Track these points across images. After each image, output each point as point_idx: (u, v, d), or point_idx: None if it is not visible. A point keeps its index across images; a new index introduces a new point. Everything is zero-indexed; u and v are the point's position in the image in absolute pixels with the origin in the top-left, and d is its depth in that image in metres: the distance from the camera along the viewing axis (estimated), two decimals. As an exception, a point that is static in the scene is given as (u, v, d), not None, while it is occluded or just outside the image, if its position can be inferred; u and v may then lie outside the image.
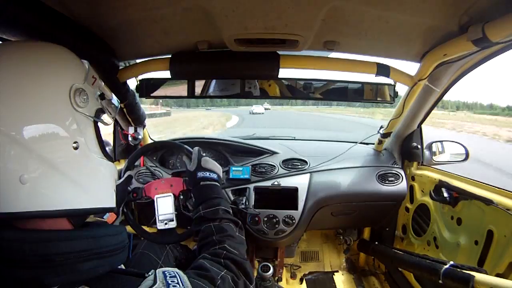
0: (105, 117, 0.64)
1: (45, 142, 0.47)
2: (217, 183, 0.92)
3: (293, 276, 1.77)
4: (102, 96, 0.62)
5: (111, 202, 0.61)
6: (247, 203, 1.39)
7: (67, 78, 0.53)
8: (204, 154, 0.99)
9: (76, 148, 0.51)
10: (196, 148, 0.99)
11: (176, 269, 0.56)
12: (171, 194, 1.19)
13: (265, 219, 1.37)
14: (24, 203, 0.44)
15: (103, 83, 0.65)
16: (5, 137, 0.43)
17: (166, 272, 0.53)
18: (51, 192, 0.47)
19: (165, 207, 1.18)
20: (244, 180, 1.46)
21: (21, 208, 0.44)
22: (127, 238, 0.58)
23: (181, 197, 1.24)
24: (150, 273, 0.54)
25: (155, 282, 0.50)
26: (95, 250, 0.49)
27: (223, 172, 1.49)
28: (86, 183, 0.53)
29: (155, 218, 1.17)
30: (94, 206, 0.55)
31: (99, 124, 0.61)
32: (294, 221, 1.36)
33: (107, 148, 0.63)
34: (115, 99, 0.69)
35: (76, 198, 0.51)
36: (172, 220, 1.15)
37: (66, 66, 0.55)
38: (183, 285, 0.51)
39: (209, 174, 0.92)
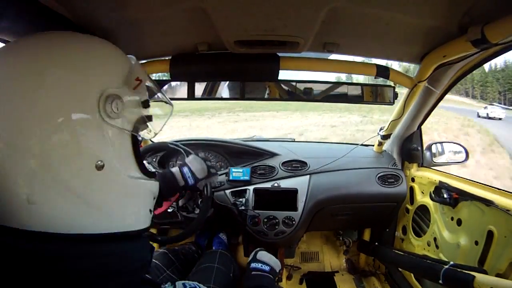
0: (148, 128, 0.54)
1: (58, 160, 0.40)
2: (268, 275, 0.94)
3: (288, 278, 1.76)
4: (146, 103, 0.51)
5: (144, 223, 0.52)
6: (247, 204, 1.39)
7: (97, 81, 0.44)
8: (259, 248, 1.03)
9: (100, 168, 0.43)
10: (260, 250, 1.03)
11: (196, 282, 0.55)
12: None
13: (265, 220, 1.37)
14: (30, 222, 0.39)
15: (153, 85, 0.55)
16: (10, 149, 0.37)
17: (186, 284, 0.52)
18: (62, 215, 0.40)
19: None
20: (244, 182, 1.46)
21: (27, 226, 0.39)
22: (149, 252, 0.52)
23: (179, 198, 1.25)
24: (167, 285, 0.51)
25: None
26: (116, 269, 0.43)
27: (223, 174, 1.49)
28: (111, 207, 0.45)
29: None
30: (121, 230, 0.46)
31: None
32: (294, 222, 1.36)
33: None
34: (166, 104, 0.59)
35: (97, 223, 0.43)
36: None
37: (98, 65, 0.46)
38: None
39: (261, 266, 0.95)
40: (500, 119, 17.06)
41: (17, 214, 0.39)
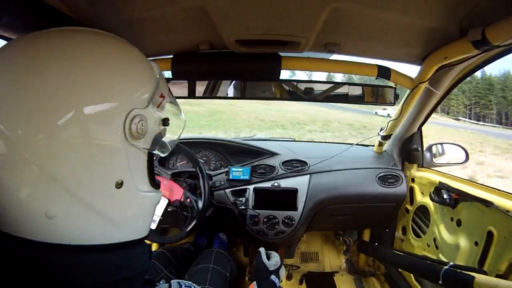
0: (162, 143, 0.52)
1: (80, 178, 0.39)
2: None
3: (288, 278, 1.77)
4: (166, 121, 0.51)
5: (146, 231, 0.53)
6: (246, 204, 1.39)
7: (128, 100, 0.42)
8: (279, 261, 1.04)
9: (119, 186, 0.43)
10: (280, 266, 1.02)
11: (191, 282, 0.55)
12: (167, 200, 1.22)
13: (265, 219, 1.37)
14: (47, 234, 0.39)
15: (173, 98, 0.54)
16: (33, 163, 0.36)
17: (181, 283, 0.52)
18: (80, 228, 0.41)
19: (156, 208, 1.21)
20: (244, 181, 1.46)
21: (43, 238, 0.39)
22: (149, 257, 0.52)
23: (177, 203, 1.27)
24: (161, 282, 0.51)
25: None
26: (120, 276, 0.43)
27: (223, 173, 1.50)
28: (123, 219, 0.45)
29: None
30: (128, 239, 0.47)
31: None
32: (294, 222, 1.36)
33: None
34: (182, 117, 0.57)
35: (109, 234, 0.44)
36: (154, 222, 1.19)
37: (130, 81, 0.43)
38: None
39: (278, 281, 0.96)
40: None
41: (33, 227, 0.38)
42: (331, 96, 1.16)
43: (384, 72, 1.06)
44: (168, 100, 0.52)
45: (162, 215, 1.24)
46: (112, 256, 0.43)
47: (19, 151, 0.36)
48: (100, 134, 0.40)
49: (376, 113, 22.47)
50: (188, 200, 1.28)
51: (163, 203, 1.25)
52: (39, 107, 0.36)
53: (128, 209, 0.46)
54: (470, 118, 40.35)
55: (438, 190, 1.24)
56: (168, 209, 1.29)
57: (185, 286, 0.52)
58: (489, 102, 43.84)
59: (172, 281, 0.52)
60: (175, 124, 0.55)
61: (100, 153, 0.40)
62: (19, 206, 0.37)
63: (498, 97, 43.78)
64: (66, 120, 0.37)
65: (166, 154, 0.54)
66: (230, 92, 1.14)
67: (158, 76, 0.48)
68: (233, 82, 1.13)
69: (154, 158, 0.56)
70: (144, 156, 0.48)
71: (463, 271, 0.85)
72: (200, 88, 1.12)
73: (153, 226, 1.22)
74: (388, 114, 22.07)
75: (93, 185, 0.40)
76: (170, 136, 0.55)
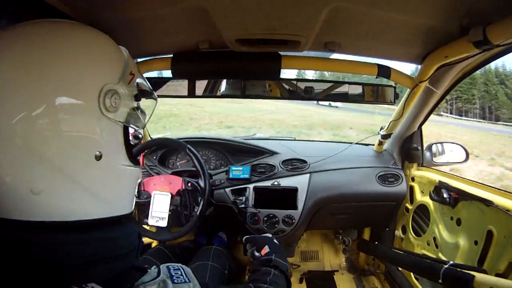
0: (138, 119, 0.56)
1: (62, 152, 0.41)
2: None
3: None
4: (138, 97, 0.55)
5: (129, 208, 0.55)
6: (246, 203, 1.39)
7: (98, 77, 0.46)
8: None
9: (98, 158, 0.45)
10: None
11: (180, 264, 0.55)
12: (169, 194, 1.23)
13: (265, 218, 1.37)
14: (34, 212, 0.41)
15: (142, 77, 0.58)
16: (16, 141, 0.38)
17: (170, 266, 0.53)
18: (65, 203, 0.43)
19: (160, 205, 1.23)
20: (244, 180, 1.47)
21: (28, 216, 0.40)
22: (138, 238, 0.54)
23: (178, 196, 1.28)
24: (152, 268, 0.52)
25: (158, 274, 0.49)
26: (107, 254, 0.44)
27: (223, 172, 1.50)
28: (106, 193, 0.47)
29: (148, 212, 1.22)
30: (111, 215, 0.49)
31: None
32: (293, 220, 1.36)
33: None
34: (154, 95, 0.61)
35: (93, 209, 0.46)
36: (164, 219, 1.19)
37: (100, 61, 0.48)
38: (187, 277, 0.51)
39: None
40: (337, 107, 22.74)
41: (18, 205, 0.40)
42: (331, 95, 1.16)
43: (384, 71, 1.06)
44: (137, 78, 0.55)
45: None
46: (96, 234, 0.45)
47: (2, 130, 0.38)
48: (77, 108, 0.43)
49: (317, 102, 23.27)
50: (189, 184, 1.30)
51: (167, 198, 1.26)
52: (23, 91, 0.39)
53: (109, 181, 0.48)
54: (451, 113, 39.52)
55: (438, 189, 1.24)
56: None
57: (173, 269, 0.52)
58: (472, 97, 42.98)
59: (161, 266, 0.53)
60: (147, 102, 0.59)
61: (79, 126, 0.43)
62: (3, 186, 0.39)
63: (481, 91, 43.06)
64: (45, 98, 0.40)
65: (141, 129, 0.58)
66: (230, 91, 1.14)
67: (126, 57, 0.53)
68: (233, 81, 1.13)
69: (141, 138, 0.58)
70: (120, 129, 0.51)
71: (463, 270, 0.85)
72: (200, 87, 1.11)
73: (164, 223, 1.22)
74: (330, 104, 22.29)
75: (74, 157, 0.43)
76: (144, 112, 0.58)
